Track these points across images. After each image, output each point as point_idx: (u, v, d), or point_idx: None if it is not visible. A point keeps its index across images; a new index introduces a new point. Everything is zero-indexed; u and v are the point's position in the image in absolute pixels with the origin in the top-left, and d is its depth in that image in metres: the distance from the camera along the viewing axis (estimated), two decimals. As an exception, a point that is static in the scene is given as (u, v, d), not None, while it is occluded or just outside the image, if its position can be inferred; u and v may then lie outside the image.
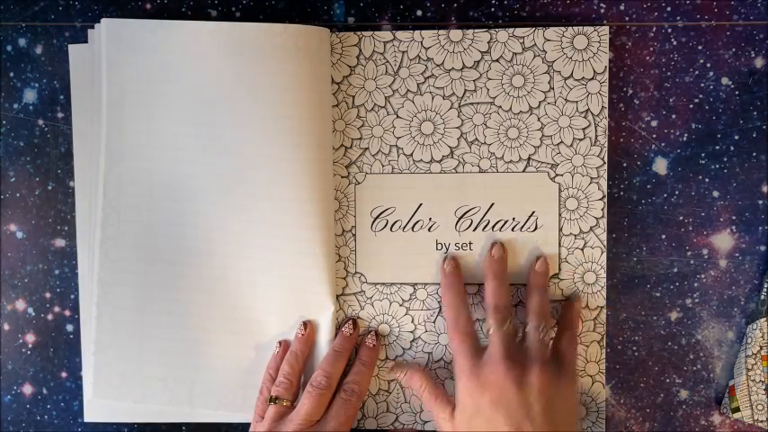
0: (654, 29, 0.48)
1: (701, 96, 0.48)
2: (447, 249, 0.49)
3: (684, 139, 0.49)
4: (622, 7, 0.48)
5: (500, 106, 0.48)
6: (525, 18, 0.48)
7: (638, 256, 0.49)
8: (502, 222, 0.48)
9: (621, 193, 0.49)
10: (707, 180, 0.49)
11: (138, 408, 0.50)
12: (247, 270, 0.48)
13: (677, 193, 0.49)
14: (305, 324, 0.48)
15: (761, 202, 0.48)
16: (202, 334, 0.49)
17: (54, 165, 0.51)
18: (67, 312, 0.52)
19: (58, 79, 0.51)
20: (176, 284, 0.48)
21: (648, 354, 0.49)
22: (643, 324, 0.49)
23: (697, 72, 0.48)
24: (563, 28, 0.47)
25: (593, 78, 0.47)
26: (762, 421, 0.48)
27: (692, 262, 0.49)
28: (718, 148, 0.48)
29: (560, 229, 0.48)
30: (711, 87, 0.48)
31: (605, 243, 0.48)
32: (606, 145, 0.48)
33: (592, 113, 0.47)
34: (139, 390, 0.49)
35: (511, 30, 0.47)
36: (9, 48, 0.51)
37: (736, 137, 0.48)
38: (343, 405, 0.45)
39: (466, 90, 0.48)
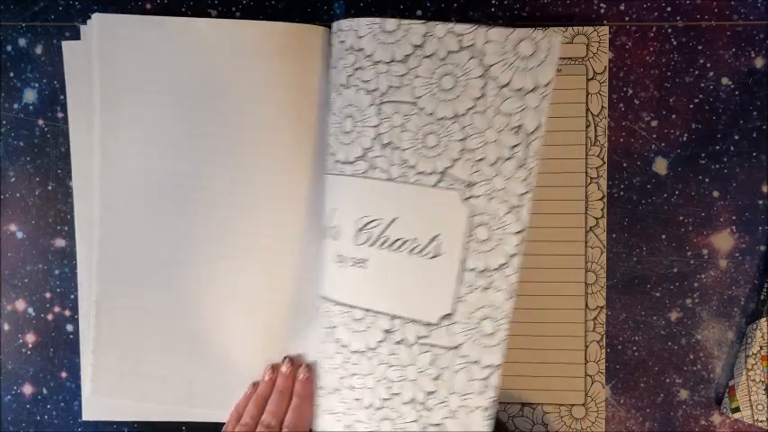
0: (654, 29, 0.48)
1: (701, 96, 0.48)
2: (345, 264, 0.44)
3: (684, 139, 0.48)
4: (622, 7, 0.48)
5: (423, 108, 0.42)
6: (525, 18, 0.48)
7: (638, 256, 0.49)
8: (401, 242, 0.42)
9: (621, 193, 0.49)
10: (707, 180, 0.49)
11: (137, 407, 0.50)
12: (247, 269, 0.48)
13: (677, 193, 0.49)
14: (273, 368, 0.48)
15: (761, 202, 0.48)
16: (201, 333, 0.49)
17: (54, 165, 0.51)
18: (67, 312, 0.52)
19: (57, 79, 0.51)
20: (174, 283, 0.48)
21: (648, 354, 0.49)
22: (643, 324, 0.49)
23: (697, 72, 0.48)
24: (509, 29, 0.41)
25: (532, 90, 0.41)
26: (762, 421, 0.48)
27: (691, 262, 0.49)
28: (718, 148, 0.48)
29: (462, 262, 0.42)
30: (711, 87, 0.48)
31: (605, 243, 0.48)
32: (606, 145, 0.48)
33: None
34: (138, 388, 0.49)
35: (451, 25, 0.42)
36: (9, 48, 0.51)
37: (736, 137, 0.48)
38: None
39: (390, 86, 0.43)
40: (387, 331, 0.42)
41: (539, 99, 0.41)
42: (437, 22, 0.42)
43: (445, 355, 0.42)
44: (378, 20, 0.43)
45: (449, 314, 0.41)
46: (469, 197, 0.41)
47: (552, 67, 0.41)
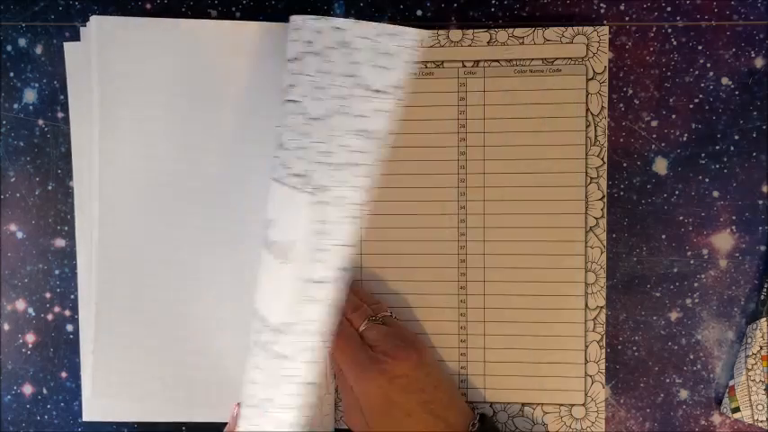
0: (654, 29, 0.48)
1: (701, 96, 0.48)
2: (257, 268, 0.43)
3: (684, 139, 0.49)
4: (622, 7, 0.48)
5: (304, 108, 0.40)
6: (525, 18, 0.48)
7: (638, 256, 0.49)
8: (272, 244, 0.42)
9: (621, 193, 0.49)
10: (707, 180, 0.49)
11: (137, 407, 0.50)
12: (247, 269, 0.48)
13: (677, 193, 0.49)
14: None
15: (761, 202, 0.48)
16: (201, 333, 0.49)
17: (54, 165, 0.51)
18: (67, 312, 0.52)
19: (58, 79, 0.51)
20: (174, 283, 0.48)
21: (648, 354, 0.49)
22: (643, 324, 0.49)
23: (697, 72, 0.48)
24: (376, 25, 0.39)
25: (383, 92, 0.39)
26: (762, 421, 0.48)
27: (691, 262, 0.49)
28: (718, 148, 0.48)
29: (303, 270, 0.40)
30: (711, 87, 0.48)
31: (605, 243, 0.48)
32: (606, 145, 0.48)
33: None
34: (138, 388, 0.49)
35: (340, 21, 0.40)
36: (9, 48, 0.51)
37: (736, 137, 0.48)
38: None
39: (288, 85, 0.42)
40: (256, 332, 0.42)
41: (388, 102, 0.38)
42: (329, 18, 0.40)
43: (277, 364, 0.40)
44: (293, 17, 0.42)
45: (286, 323, 0.40)
46: (318, 203, 0.39)
47: (405, 70, 0.38)
